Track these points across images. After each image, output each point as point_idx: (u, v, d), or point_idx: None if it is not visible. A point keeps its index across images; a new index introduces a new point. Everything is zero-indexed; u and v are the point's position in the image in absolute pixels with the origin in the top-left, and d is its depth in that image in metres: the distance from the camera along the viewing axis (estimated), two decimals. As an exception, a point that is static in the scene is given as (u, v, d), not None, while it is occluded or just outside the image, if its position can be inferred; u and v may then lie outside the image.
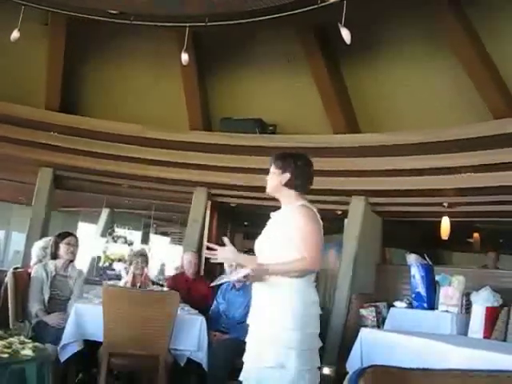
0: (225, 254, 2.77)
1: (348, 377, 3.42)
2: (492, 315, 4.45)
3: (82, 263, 7.32)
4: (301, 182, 2.81)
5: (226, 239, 2.78)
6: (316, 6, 4.75)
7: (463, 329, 4.56)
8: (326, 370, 4.94)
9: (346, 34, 4.54)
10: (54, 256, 4.54)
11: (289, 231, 2.69)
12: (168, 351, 4.03)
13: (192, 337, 4.18)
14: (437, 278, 5.06)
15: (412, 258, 5.29)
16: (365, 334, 4.01)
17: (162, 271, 9.92)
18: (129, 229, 10.11)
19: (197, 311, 4.59)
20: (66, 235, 4.61)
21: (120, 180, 7.10)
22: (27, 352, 2.53)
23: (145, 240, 10.59)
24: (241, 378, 2.73)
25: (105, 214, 10.47)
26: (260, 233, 2.88)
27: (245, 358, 2.74)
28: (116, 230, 9.91)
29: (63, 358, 3.94)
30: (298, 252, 2.62)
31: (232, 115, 6.53)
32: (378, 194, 6.17)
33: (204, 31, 5.71)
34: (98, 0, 5.29)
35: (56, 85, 6.57)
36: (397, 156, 5.62)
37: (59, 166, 6.77)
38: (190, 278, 5.76)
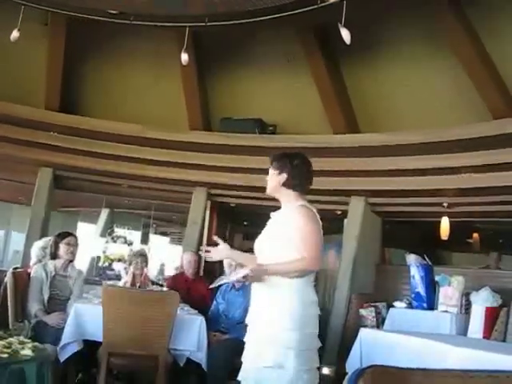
0: (218, 252, 2.85)
1: (347, 377, 3.44)
2: (491, 315, 4.45)
3: (82, 263, 7.32)
4: (298, 181, 2.81)
5: (216, 238, 2.87)
6: (316, 6, 4.75)
7: (463, 329, 4.57)
8: (326, 370, 4.93)
9: (345, 34, 4.54)
10: (54, 256, 4.54)
11: (289, 231, 2.69)
12: (167, 351, 4.03)
13: (192, 337, 4.18)
14: (436, 278, 5.07)
15: (412, 258, 5.30)
16: (364, 334, 4.01)
17: (161, 271, 9.92)
18: (128, 229, 10.10)
19: (196, 311, 4.59)
20: (66, 235, 4.61)
21: (120, 180, 7.10)
22: (27, 352, 2.53)
23: (144, 240, 10.59)
24: (239, 378, 2.74)
25: (104, 214, 10.47)
26: (260, 233, 2.88)
27: (243, 358, 2.74)
28: (115, 230, 9.91)
29: (63, 357, 3.94)
30: (298, 252, 2.62)
31: (232, 115, 6.53)
32: (378, 194, 6.16)
33: (204, 31, 5.72)
34: (98, 0, 5.29)
35: (56, 85, 6.57)
36: (397, 156, 5.62)
37: (59, 165, 6.76)
38: (190, 278, 5.76)
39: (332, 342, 5.61)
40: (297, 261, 2.62)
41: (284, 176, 2.80)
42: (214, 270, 6.48)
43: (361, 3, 4.80)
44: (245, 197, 6.97)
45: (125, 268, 6.48)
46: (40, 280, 4.37)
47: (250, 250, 2.94)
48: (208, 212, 7.17)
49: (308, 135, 6.06)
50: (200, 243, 6.80)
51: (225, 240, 2.91)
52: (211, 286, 3.17)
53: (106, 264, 9.05)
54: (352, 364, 3.88)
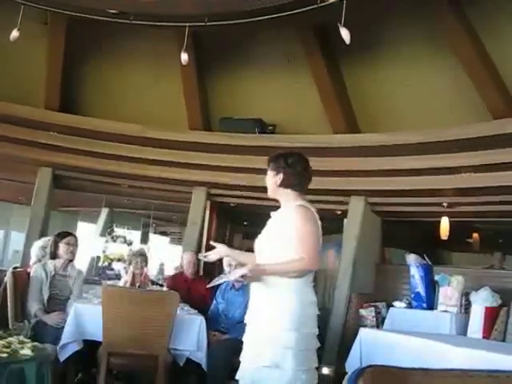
0: (216, 251, 2.90)
1: (347, 377, 3.43)
2: (491, 315, 4.45)
3: (82, 263, 7.32)
4: (295, 181, 2.80)
5: (212, 242, 2.99)
6: (316, 6, 4.74)
7: (462, 329, 4.57)
8: (326, 370, 4.93)
9: (345, 34, 4.54)
10: (54, 256, 4.53)
11: (289, 231, 2.69)
12: (167, 351, 4.03)
13: (191, 337, 4.18)
14: (436, 277, 5.07)
15: (411, 258, 5.30)
16: (364, 333, 4.01)
17: (161, 271, 9.91)
18: (128, 228, 10.11)
19: (196, 311, 4.59)
20: (66, 235, 4.61)
21: (120, 180, 7.11)
22: (26, 352, 2.53)
23: (144, 240, 10.60)
24: (237, 377, 2.73)
25: (104, 213, 10.47)
26: (260, 233, 2.88)
27: (241, 358, 2.74)
28: (115, 229, 9.92)
29: (62, 357, 3.94)
30: (296, 252, 2.62)
31: (232, 115, 6.53)
32: (378, 193, 6.17)
33: (204, 31, 5.70)
34: (98, 0, 5.29)
35: (56, 84, 6.56)
36: (397, 156, 5.62)
37: (59, 165, 6.77)
38: (190, 277, 5.76)
39: (332, 341, 5.62)
40: (295, 261, 2.61)
41: (280, 176, 2.80)
42: (214, 269, 6.48)
43: (361, 3, 4.80)
44: (245, 197, 6.98)
45: (124, 268, 6.49)
46: (40, 280, 4.37)
47: (250, 250, 2.94)
48: (208, 212, 7.18)
49: (308, 135, 6.05)
50: (200, 243, 6.82)
51: (224, 240, 2.93)
52: (209, 285, 3.17)
53: (106, 264, 9.06)
54: (352, 364, 3.88)
